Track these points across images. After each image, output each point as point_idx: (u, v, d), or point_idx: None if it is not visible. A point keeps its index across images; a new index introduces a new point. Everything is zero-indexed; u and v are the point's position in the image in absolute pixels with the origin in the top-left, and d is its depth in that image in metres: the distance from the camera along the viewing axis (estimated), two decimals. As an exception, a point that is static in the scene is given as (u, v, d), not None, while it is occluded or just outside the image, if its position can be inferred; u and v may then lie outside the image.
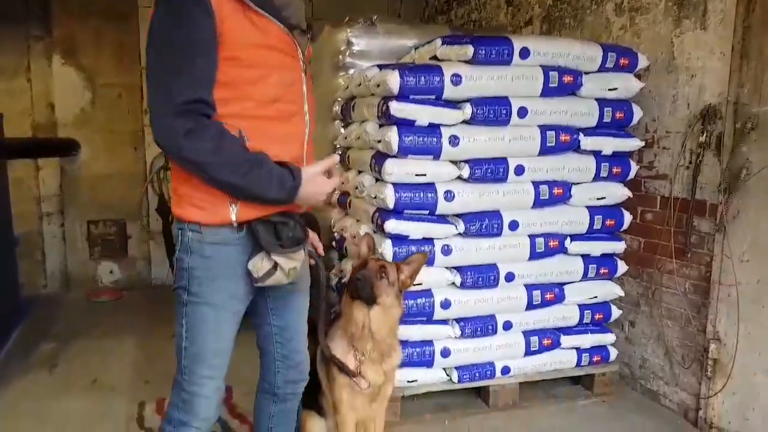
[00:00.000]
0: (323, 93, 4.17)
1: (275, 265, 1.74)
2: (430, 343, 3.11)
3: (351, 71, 3.74)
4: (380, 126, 3.05)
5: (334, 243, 3.85)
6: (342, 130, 3.72)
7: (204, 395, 1.80)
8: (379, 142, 2.97)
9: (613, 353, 3.46)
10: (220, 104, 1.65)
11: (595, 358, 3.42)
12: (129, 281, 5.58)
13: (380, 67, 3.14)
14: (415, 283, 2.99)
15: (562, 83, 3.03)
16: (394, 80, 2.82)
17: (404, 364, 3.02)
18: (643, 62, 3.20)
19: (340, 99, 3.77)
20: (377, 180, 3.11)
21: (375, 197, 3.02)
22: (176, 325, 1.81)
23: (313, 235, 2.12)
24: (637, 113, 3.23)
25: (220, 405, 1.87)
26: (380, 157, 2.99)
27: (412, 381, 3.12)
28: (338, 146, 3.80)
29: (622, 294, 3.42)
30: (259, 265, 1.73)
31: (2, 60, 5.10)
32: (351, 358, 2.34)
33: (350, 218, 3.54)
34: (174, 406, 1.83)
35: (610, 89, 3.15)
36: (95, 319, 4.74)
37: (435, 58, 3.15)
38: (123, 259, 5.59)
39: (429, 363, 3.11)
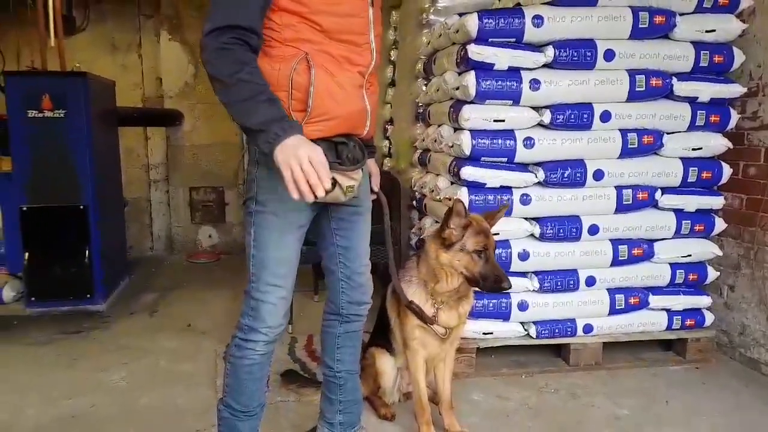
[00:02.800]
0: (408, 52, 4.22)
1: (334, 183, 1.78)
2: (507, 295, 3.04)
3: (434, 27, 3.73)
4: (459, 74, 3.03)
5: (414, 202, 3.87)
6: (423, 88, 3.73)
7: (270, 302, 1.88)
8: (457, 89, 2.95)
9: (709, 318, 3.24)
10: (285, 29, 1.74)
11: (688, 322, 3.21)
12: (226, 245, 5.89)
13: (461, 14, 3.11)
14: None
15: (654, 24, 2.87)
16: (472, 23, 2.79)
17: (480, 316, 3.01)
18: (745, 1, 2.97)
19: (422, 57, 3.77)
20: (455, 130, 3.09)
21: (452, 146, 3.01)
22: (246, 235, 1.91)
23: (374, 170, 2.19)
24: (739, 57, 3.01)
25: (286, 315, 1.94)
26: (458, 104, 2.97)
27: (488, 333, 3.07)
28: (420, 104, 3.80)
29: (720, 253, 3.19)
30: None
31: (118, 37, 5.57)
32: (428, 305, 2.36)
33: (430, 174, 3.54)
34: (244, 314, 1.92)
35: (707, 31, 2.94)
36: (194, 277, 5.09)
37: (519, 5, 3.08)
38: (221, 225, 5.92)
39: (505, 316, 3.05)
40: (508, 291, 3.00)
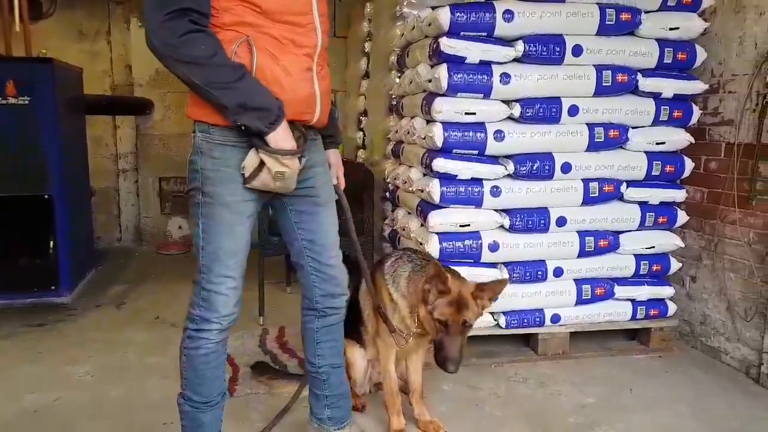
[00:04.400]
0: (382, 44, 4.22)
1: (261, 164, 1.75)
2: (477, 285, 3.09)
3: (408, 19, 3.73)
4: (431, 67, 3.05)
5: (387, 193, 3.89)
6: (397, 80, 3.74)
7: (222, 293, 1.85)
8: (430, 81, 2.97)
9: (672, 308, 3.33)
10: (223, 13, 1.70)
11: (652, 312, 3.30)
12: (196, 237, 5.82)
13: (434, 8, 3.12)
14: (462, 224, 3.03)
15: (620, 21, 2.93)
16: (444, 16, 2.81)
17: (450, 306, 3.03)
18: (707, 1, 3.05)
19: (396, 49, 3.78)
20: (428, 122, 3.11)
21: (424, 138, 3.03)
22: (192, 225, 1.87)
23: (338, 167, 2.19)
24: (701, 55, 3.09)
25: (239, 303, 1.91)
26: (430, 97, 2.99)
27: (459, 323, 3.10)
28: (393, 96, 3.81)
29: (682, 245, 3.28)
30: (248, 162, 1.75)
31: (86, 24, 5.46)
32: (411, 321, 2.32)
33: (402, 166, 3.56)
34: (194, 305, 1.88)
35: (671, 29, 3.02)
36: (163, 268, 5.03)
37: (490, -1, 3.11)
38: (192, 216, 5.84)
39: (476, 306, 3.09)
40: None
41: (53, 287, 3.92)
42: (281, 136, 1.72)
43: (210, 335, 1.88)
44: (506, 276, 2.97)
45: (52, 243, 3.86)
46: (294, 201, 1.98)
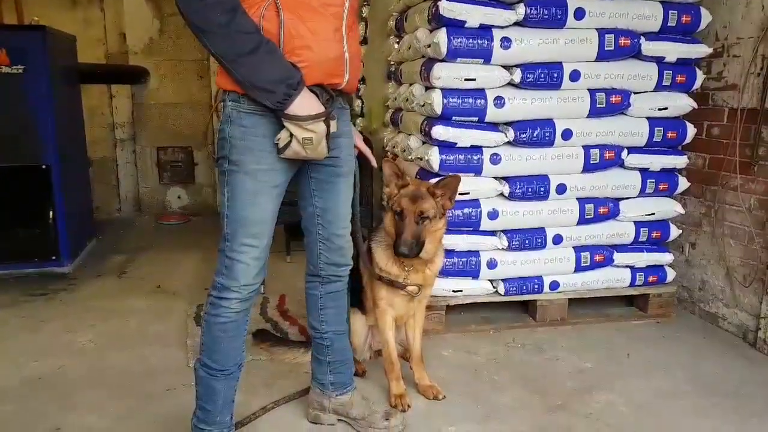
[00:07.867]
0: (380, 8, 4.15)
1: (291, 135, 1.74)
2: (476, 253, 3.09)
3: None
4: (431, 31, 3.00)
5: (386, 161, 3.86)
6: (396, 46, 3.68)
7: (244, 262, 1.86)
8: (429, 46, 2.92)
9: (671, 274, 3.34)
10: None
11: (651, 278, 3.31)
12: (196, 207, 5.83)
13: (432, -30, 3.06)
14: (462, 192, 3.01)
15: (624, -18, 2.87)
16: (443, -21, 2.75)
17: (450, 274, 3.05)
18: (714, -39, 2.99)
19: (394, 13, 3.71)
20: (427, 89, 3.07)
21: (423, 105, 2.99)
22: (220, 194, 1.88)
23: (360, 143, 2.21)
24: (706, 17, 3.03)
25: (260, 274, 1.92)
26: (429, 63, 2.95)
27: (458, 291, 3.12)
28: (392, 62, 3.76)
29: (683, 211, 3.27)
30: (283, 134, 1.75)
31: (79, -10, 5.35)
32: (396, 267, 2.39)
33: (402, 134, 3.53)
34: (218, 272, 1.90)
35: (676, -11, 2.96)
36: (163, 238, 5.04)
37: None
38: (190, 185, 5.83)
39: (475, 274, 3.10)
40: (477, 250, 3.09)
41: (53, 257, 3.93)
42: (299, 105, 1.69)
43: (230, 304, 1.89)
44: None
45: (51, 213, 3.86)
46: (316, 169, 1.97)
